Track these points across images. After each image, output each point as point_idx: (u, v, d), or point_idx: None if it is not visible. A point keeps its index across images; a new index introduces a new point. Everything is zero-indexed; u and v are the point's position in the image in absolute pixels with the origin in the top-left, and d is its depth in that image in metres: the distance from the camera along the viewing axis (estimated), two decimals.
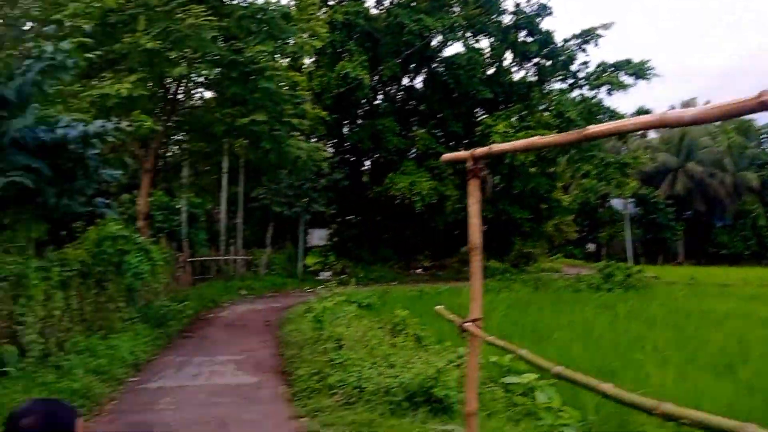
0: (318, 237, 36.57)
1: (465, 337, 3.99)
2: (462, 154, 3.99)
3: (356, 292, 21.01)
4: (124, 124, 7.90)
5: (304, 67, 28.60)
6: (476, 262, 4.19)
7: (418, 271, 35.04)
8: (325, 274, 31.66)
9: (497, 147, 3.57)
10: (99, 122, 7.66)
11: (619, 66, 33.76)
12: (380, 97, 35.37)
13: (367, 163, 36.76)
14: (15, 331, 7.42)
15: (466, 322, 3.97)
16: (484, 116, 33.80)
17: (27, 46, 7.67)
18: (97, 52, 9.71)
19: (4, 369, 6.82)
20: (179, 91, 15.97)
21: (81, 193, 8.03)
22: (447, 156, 4.29)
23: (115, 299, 11.36)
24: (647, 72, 33.24)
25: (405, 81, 35.91)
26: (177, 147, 23.50)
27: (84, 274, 9.88)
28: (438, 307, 4.89)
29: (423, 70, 35.39)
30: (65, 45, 7.37)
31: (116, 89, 11.64)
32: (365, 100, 31.25)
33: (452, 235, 36.70)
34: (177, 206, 22.01)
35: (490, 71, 34.35)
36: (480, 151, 3.86)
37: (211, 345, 12.37)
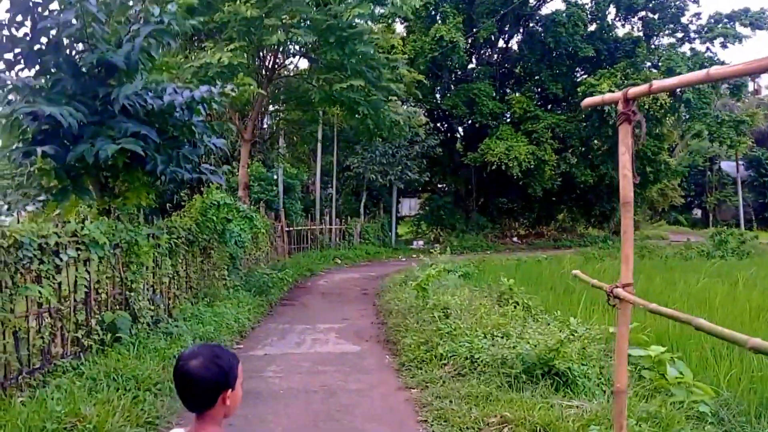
0: (408, 207, 36.28)
1: (614, 303, 3.48)
2: (612, 95, 3.42)
3: (452, 261, 20.66)
4: (228, 88, 7.71)
5: (396, 33, 27.99)
6: (628, 220, 3.63)
7: (514, 239, 34.07)
8: (418, 243, 31.37)
9: (658, 84, 2.99)
10: (204, 87, 7.52)
11: (734, 16, 30.93)
12: (475, 60, 34.26)
13: (461, 129, 35.88)
14: (127, 298, 7.50)
15: (615, 288, 3.46)
16: (585, 76, 32.00)
17: (133, 13, 7.58)
18: (200, 19, 9.64)
19: (118, 335, 6.89)
20: (276, 60, 15.89)
21: (188, 160, 7.96)
22: (590, 100, 3.71)
23: (219, 267, 11.48)
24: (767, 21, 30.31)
25: (500, 43, 34.57)
26: (273, 117, 23.71)
27: (190, 241, 9.96)
28: (575, 271, 4.37)
29: (519, 31, 33.87)
30: (172, 7, 7.23)
31: (217, 58, 11.65)
32: (460, 64, 30.27)
33: (549, 202, 35.37)
34: (273, 177, 22.25)
35: (592, 27, 32.36)
36: (635, 90, 3.26)
37: (311, 313, 12.34)
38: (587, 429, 5.04)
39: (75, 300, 6.45)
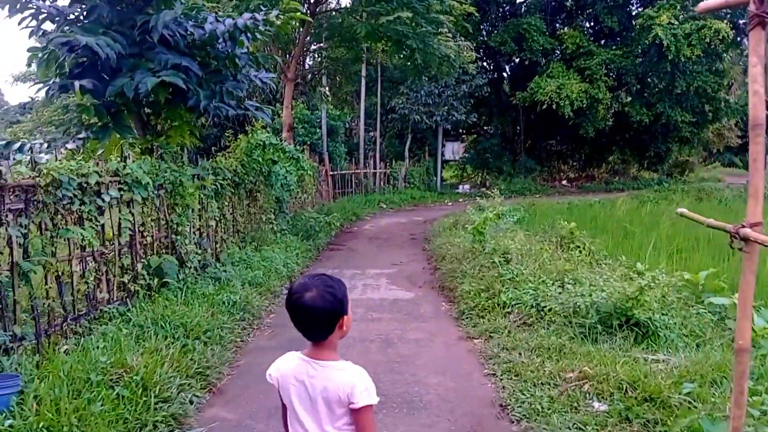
0: (451, 151, 35.37)
1: (739, 246, 2.86)
2: None
3: (501, 205, 19.97)
4: (273, 14, 7.09)
5: None
6: (758, 146, 2.95)
7: (563, 183, 33.01)
8: (464, 188, 30.67)
9: None
10: (247, 15, 6.92)
11: None
12: None
13: (508, 68, 34.47)
14: (173, 241, 7.18)
15: (741, 228, 2.84)
16: (641, 9, 30.09)
17: None
18: None
19: (165, 280, 6.58)
20: None
21: (232, 96, 7.46)
22: (707, 4, 3.01)
23: (266, 210, 11.13)
24: None
25: None
26: (316, 57, 22.97)
27: (236, 184, 9.59)
28: (681, 209, 3.71)
29: None
30: None
31: None
32: None
33: (601, 143, 33.97)
34: (317, 119, 21.71)
35: None
36: None
37: (360, 258, 11.96)
38: (679, 386, 4.50)
39: (119, 243, 6.13)
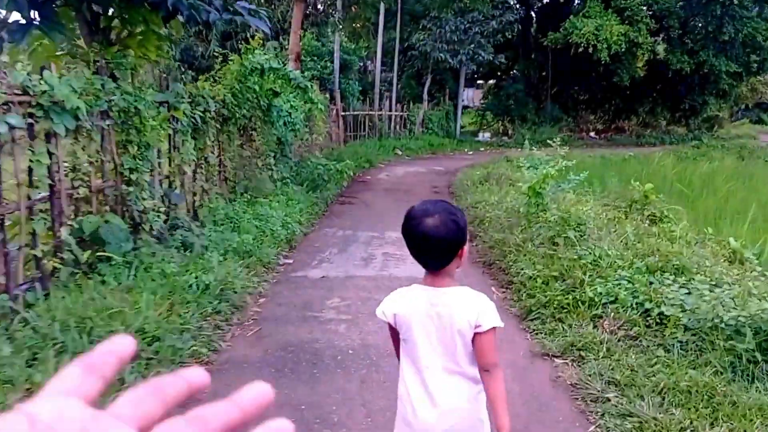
0: (466, 97, 32.78)
1: None
2: None
3: (564, 159, 17.79)
4: None
5: None
6: None
7: (591, 134, 30.57)
8: (484, 136, 28.31)
9: None
10: None
11: None
12: None
13: (536, 6, 31.55)
14: (124, 195, 5.09)
15: None
16: None
17: None
18: None
19: (104, 253, 4.52)
20: None
21: None
22: None
23: (264, 154, 9.00)
24: None
25: None
26: None
27: (224, 118, 7.45)
28: None
29: None
30: None
31: None
32: None
33: (633, 93, 31.32)
34: (329, 52, 19.28)
35: None
36: None
37: (376, 215, 9.89)
38: None
39: (29, 198, 4.06)
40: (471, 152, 23.38)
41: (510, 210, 8.05)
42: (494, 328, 1.90)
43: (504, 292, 5.72)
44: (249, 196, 8.00)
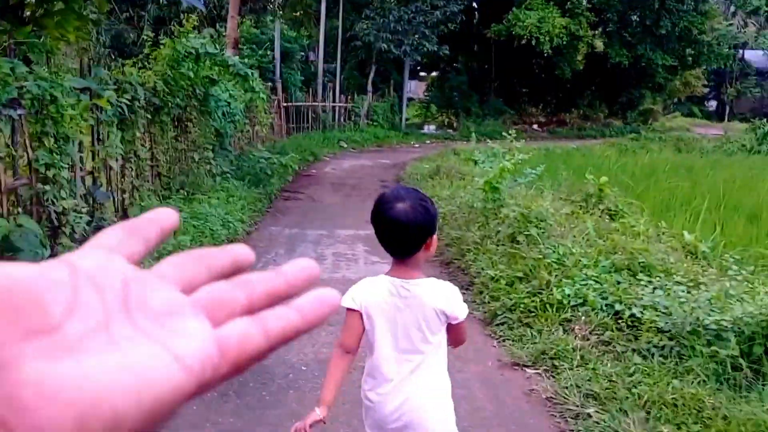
0: (408, 89, 32.50)
1: None
2: None
3: (472, 149, 17.66)
4: None
5: None
6: None
7: (534, 127, 30.80)
8: (429, 128, 28.14)
9: None
10: None
11: None
12: None
13: None
14: (39, 194, 4.46)
15: None
16: None
17: None
18: None
19: (18, 262, 3.91)
20: None
21: None
22: None
23: (201, 147, 8.38)
24: None
25: None
26: None
27: (155, 108, 6.82)
28: None
29: None
30: None
31: None
32: None
33: (573, 85, 31.71)
34: (269, 40, 18.56)
35: None
36: None
37: (324, 211, 9.42)
38: None
39: None
40: (417, 145, 23.11)
41: (464, 205, 7.71)
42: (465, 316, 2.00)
43: (465, 293, 5.35)
44: (185, 193, 7.39)
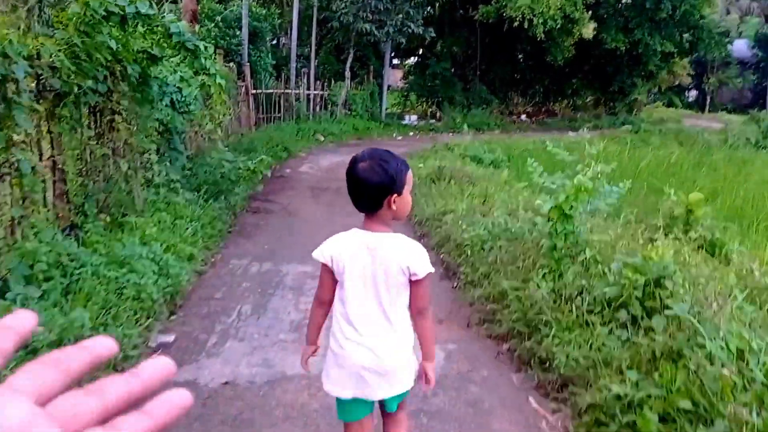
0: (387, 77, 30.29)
1: None
2: None
3: (468, 144, 15.62)
4: None
5: None
6: None
7: (522, 117, 28.82)
8: (411, 119, 25.87)
9: None
10: None
11: None
12: None
13: None
14: None
15: None
16: None
17: None
18: None
19: None
20: None
21: None
22: None
23: (135, 150, 6.04)
24: None
25: None
26: None
27: (57, 95, 4.51)
28: None
29: None
30: None
31: None
32: None
33: (563, 73, 29.73)
34: (235, 18, 16.12)
35: None
36: None
37: (304, 230, 7.21)
38: None
39: None
40: (400, 137, 20.93)
41: (500, 231, 5.56)
42: (429, 274, 2.04)
43: (557, 412, 3.19)
44: (108, 219, 5.09)
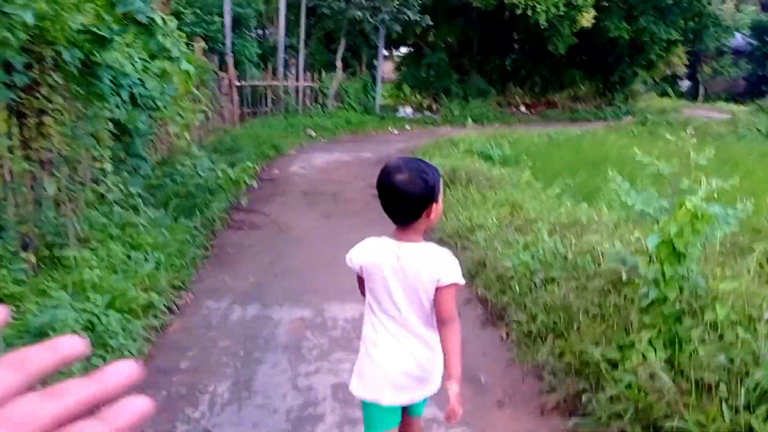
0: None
1: None
2: None
3: (474, 139, 14.36)
4: None
5: None
6: None
7: (521, 109, 27.51)
8: (405, 111, 24.46)
9: None
10: None
11: None
12: None
13: None
14: None
15: None
16: None
17: None
18: None
19: None
20: None
21: None
22: None
23: (81, 160, 4.64)
24: None
25: None
26: None
27: None
28: None
29: None
30: None
31: None
32: None
33: (562, 63, 28.41)
34: (217, 3, 14.66)
35: None
36: None
37: (298, 253, 5.87)
38: None
39: None
40: (397, 131, 19.61)
41: (553, 259, 4.25)
42: (455, 283, 1.99)
43: None
44: (34, 259, 3.72)
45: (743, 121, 24.72)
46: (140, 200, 5.36)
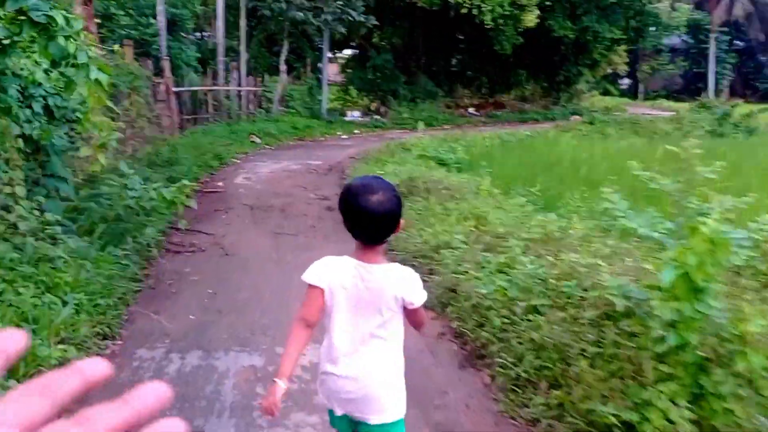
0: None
1: None
2: None
3: (426, 143, 13.98)
4: None
5: None
6: None
7: (470, 110, 27.30)
8: (353, 115, 23.89)
9: None
10: None
11: None
12: None
13: None
14: None
15: None
16: None
17: None
18: None
19: None
20: None
21: None
22: None
23: None
24: None
25: None
26: None
27: None
28: None
29: None
30: None
31: None
32: None
33: (510, 64, 28.35)
34: (149, 5, 13.76)
35: None
36: None
37: (245, 282, 5.25)
38: None
39: None
40: (346, 136, 19.00)
41: (533, 283, 3.78)
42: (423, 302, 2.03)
43: None
44: None
45: (687, 119, 25.13)
46: (59, 228, 4.63)
